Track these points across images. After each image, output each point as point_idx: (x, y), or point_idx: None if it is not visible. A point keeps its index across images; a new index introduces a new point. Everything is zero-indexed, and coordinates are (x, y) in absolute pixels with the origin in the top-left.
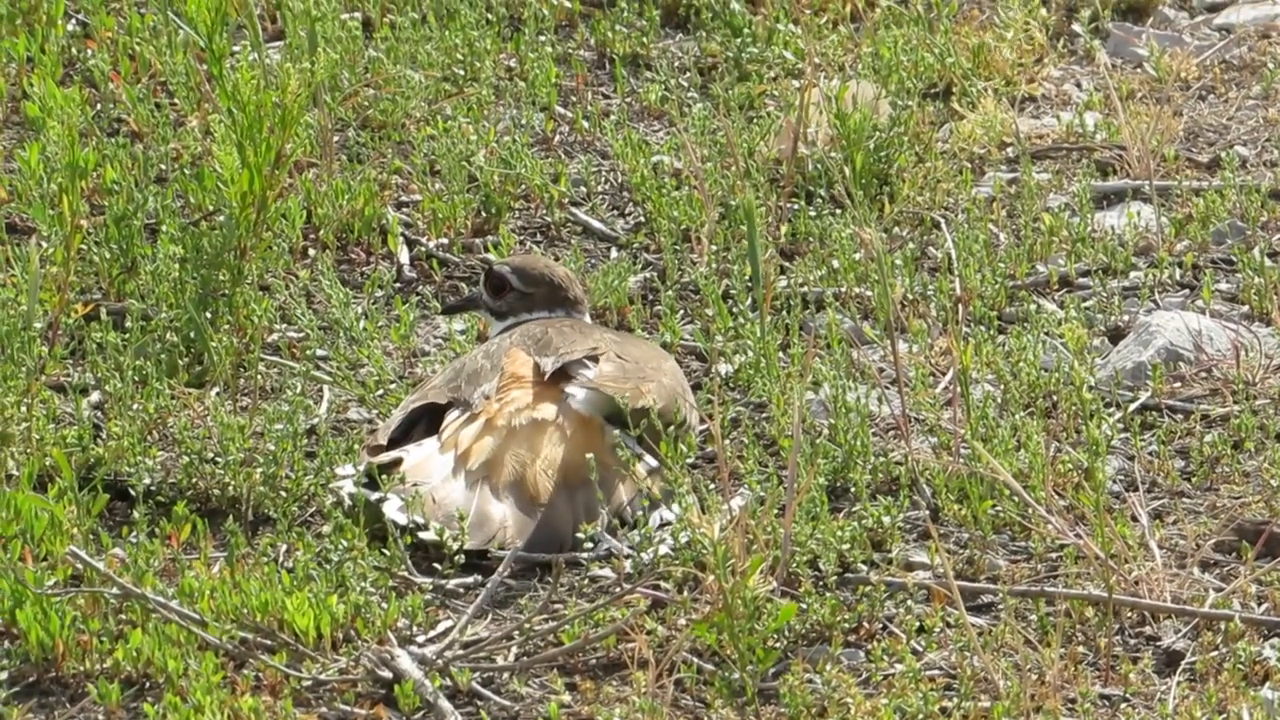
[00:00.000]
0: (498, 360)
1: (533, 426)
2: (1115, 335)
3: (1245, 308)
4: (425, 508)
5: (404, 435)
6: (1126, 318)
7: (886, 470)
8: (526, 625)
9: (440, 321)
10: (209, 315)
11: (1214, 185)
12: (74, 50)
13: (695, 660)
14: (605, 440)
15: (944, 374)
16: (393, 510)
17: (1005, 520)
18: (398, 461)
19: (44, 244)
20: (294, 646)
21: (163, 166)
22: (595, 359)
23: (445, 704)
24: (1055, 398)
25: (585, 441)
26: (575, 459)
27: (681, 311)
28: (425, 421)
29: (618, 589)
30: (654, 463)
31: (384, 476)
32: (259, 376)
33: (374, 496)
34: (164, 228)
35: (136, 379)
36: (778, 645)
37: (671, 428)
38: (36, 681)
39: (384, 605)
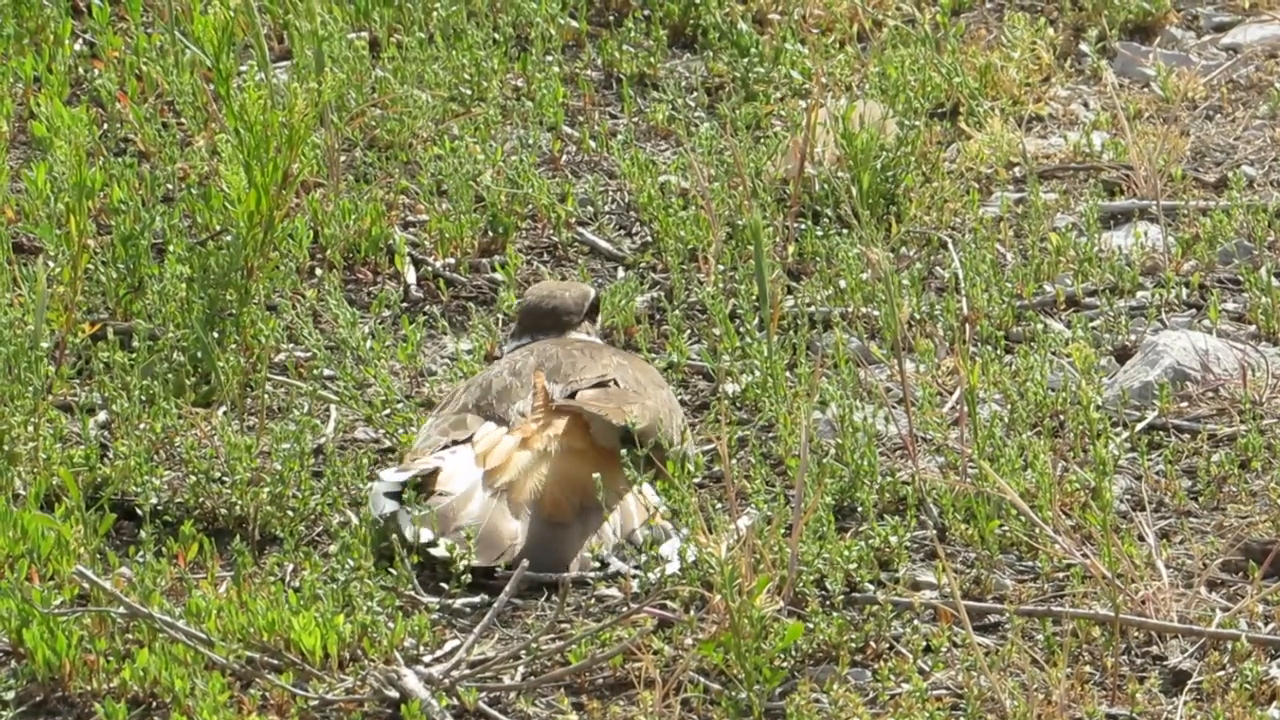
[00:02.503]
0: (527, 379)
1: (559, 449)
2: (1122, 355)
3: (1252, 327)
4: (442, 522)
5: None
6: (1133, 337)
7: (893, 490)
8: (533, 645)
9: (447, 341)
10: (216, 335)
11: (1221, 205)
12: (81, 70)
13: (702, 680)
14: (621, 467)
15: (951, 393)
16: (404, 523)
17: (1012, 540)
18: (435, 471)
19: (51, 264)
20: (301, 666)
21: (169, 186)
22: (602, 385)
23: None
24: (1062, 417)
25: (602, 466)
26: (590, 483)
27: (688, 331)
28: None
29: (624, 608)
30: (656, 498)
31: (416, 493)
32: (266, 396)
33: (388, 509)
34: (171, 247)
35: (143, 398)
36: (784, 665)
37: (672, 448)
38: (43, 701)
39: (391, 625)
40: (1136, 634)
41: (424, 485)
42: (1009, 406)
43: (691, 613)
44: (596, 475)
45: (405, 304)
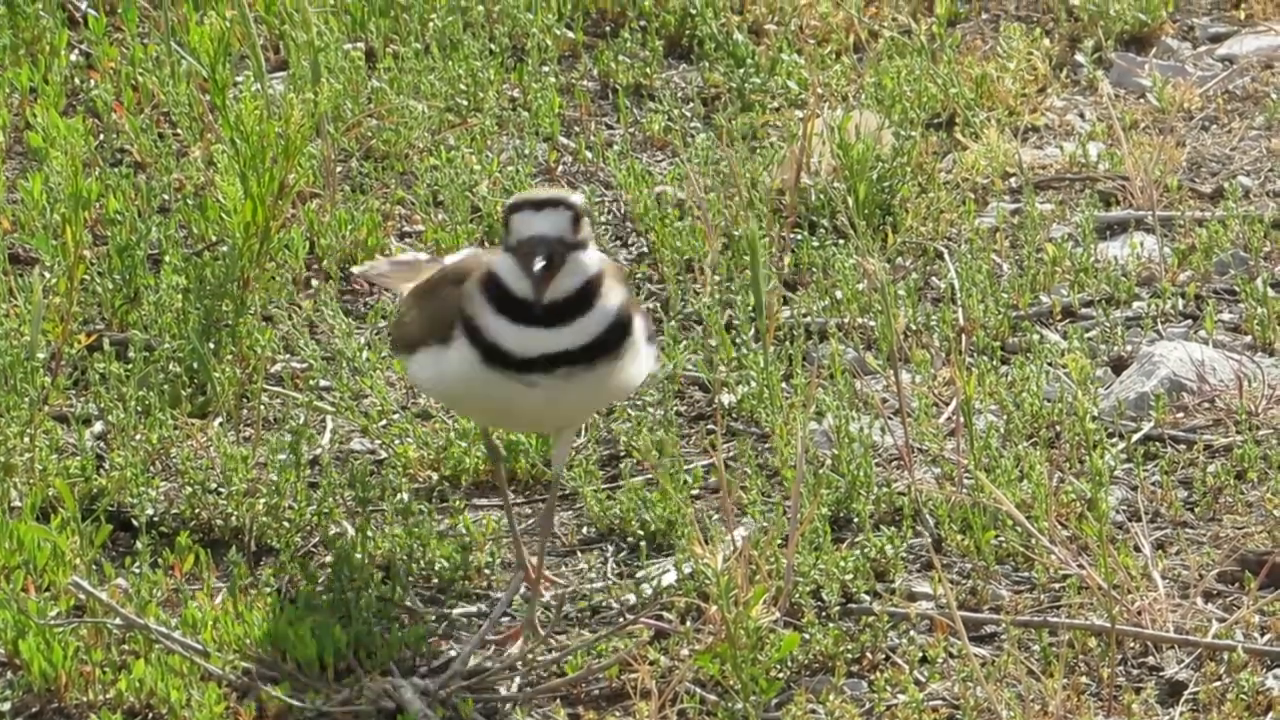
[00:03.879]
0: None
1: None
2: (1118, 365)
3: (1248, 338)
4: None
5: None
6: (1129, 348)
7: (889, 500)
8: (529, 655)
9: None
10: (212, 346)
11: (1217, 215)
12: (77, 81)
13: (698, 691)
14: None
15: (947, 404)
16: None
17: (1008, 550)
18: None
19: (47, 274)
20: (297, 677)
21: (165, 197)
22: None
23: None
24: (1058, 428)
25: None
26: None
27: (684, 342)
28: None
29: (620, 619)
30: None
31: None
32: (262, 407)
33: None
34: (167, 258)
35: (139, 409)
36: (781, 676)
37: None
38: (39, 712)
39: (387, 636)
40: (1132, 645)
41: None
42: (1005, 417)
43: (688, 623)
44: None
45: None
